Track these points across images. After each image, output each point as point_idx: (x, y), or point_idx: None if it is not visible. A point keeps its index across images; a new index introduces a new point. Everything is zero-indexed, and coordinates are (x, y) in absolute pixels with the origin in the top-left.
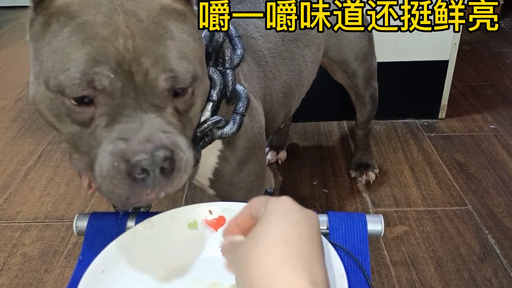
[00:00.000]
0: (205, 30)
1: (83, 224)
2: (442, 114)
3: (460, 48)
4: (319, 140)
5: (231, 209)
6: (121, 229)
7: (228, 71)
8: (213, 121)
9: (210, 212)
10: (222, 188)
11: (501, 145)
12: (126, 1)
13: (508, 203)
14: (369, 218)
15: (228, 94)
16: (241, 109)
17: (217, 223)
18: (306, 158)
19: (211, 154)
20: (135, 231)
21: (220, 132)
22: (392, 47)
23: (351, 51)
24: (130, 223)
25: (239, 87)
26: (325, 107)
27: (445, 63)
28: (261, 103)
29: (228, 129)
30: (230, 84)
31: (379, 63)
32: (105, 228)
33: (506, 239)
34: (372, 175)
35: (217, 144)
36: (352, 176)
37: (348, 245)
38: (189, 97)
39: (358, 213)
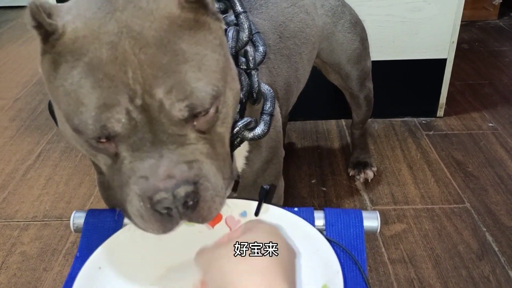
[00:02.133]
0: (231, 29)
1: (80, 221)
2: (440, 112)
3: (459, 46)
4: (318, 139)
5: (227, 206)
6: (118, 226)
7: (253, 71)
8: (244, 123)
9: None
10: (245, 190)
11: (499, 143)
12: (131, 19)
13: (506, 201)
14: (365, 214)
15: (254, 95)
16: (270, 109)
17: (214, 219)
18: (304, 157)
19: (239, 156)
20: (132, 227)
21: (252, 134)
22: (391, 46)
23: (343, 54)
24: (127, 220)
25: (264, 87)
26: (324, 106)
27: (443, 62)
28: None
29: (260, 130)
30: (256, 85)
31: (378, 62)
32: (102, 225)
33: (503, 237)
34: (370, 174)
35: (245, 146)
36: (350, 175)
37: (344, 241)
38: (212, 115)
39: (354, 209)
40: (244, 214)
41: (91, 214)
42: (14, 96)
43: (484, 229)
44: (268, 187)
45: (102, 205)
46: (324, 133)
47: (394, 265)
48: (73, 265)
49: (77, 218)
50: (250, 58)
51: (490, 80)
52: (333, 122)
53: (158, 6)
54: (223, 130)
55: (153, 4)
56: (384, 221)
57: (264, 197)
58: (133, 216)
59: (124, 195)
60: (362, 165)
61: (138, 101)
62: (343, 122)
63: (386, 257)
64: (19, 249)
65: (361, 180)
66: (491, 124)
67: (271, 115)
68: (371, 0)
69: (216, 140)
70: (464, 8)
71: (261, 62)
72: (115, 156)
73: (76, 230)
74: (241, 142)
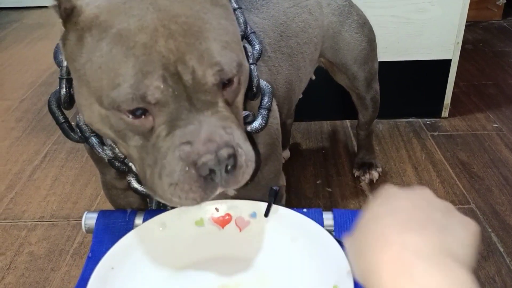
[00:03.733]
0: None
1: (91, 221)
2: (445, 113)
3: (463, 47)
4: (322, 140)
5: (237, 207)
6: (129, 226)
7: (252, 66)
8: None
9: (217, 209)
10: (243, 187)
11: (504, 143)
12: None
13: (511, 201)
14: None
15: (254, 89)
16: (267, 104)
17: (224, 220)
18: (309, 157)
19: None
20: (144, 228)
21: (249, 127)
22: (395, 47)
23: (350, 54)
24: (138, 220)
25: (262, 82)
26: (328, 106)
27: (448, 62)
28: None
29: (258, 124)
30: (256, 80)
31: (382, 62)
32: (113, 225)
33: (509, 238)
34: (375, 174)
35: None
36: (355, 175)
37: None
38: (236, 86)
39: (358, 209)
40: (254, 215)
41: (103, 215)
42: (20, 97)
43: (490, 230)
44: (277, 188)
45: (109, 205)
46: (329, 134)
47: None
48: (85, 265)
49: (89, 219)
50: (249, 53)
51: (495, 80)
52: (338, 123)
53: None
54: (239, 105)
55: None
56: None
57: (274, 198)
58: (170, 188)
59: (159, 169)
60: (367, 166)
61: (172, 69)
62: (348, 123)
63: None
64: (27, 249)
65: (366, 180)
66: (495, 125)
67: (269, 109)
68: (375, 1)
69: (236, 112)
70: (469, 9)
71: (258, 59)
72: (150, 132)
73: (87, 231)
74: None
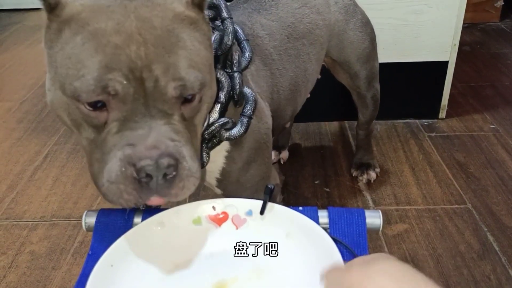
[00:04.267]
0: (216, 34)
1: (91, 220)
2: (442, 114)
3: (460, 49)
4: (321, 140)
5: (233, 205)
6: (128, 224)
7: (235, 74)
8: (221, 123)
9: (214, 208)
10: (229, 188)
11: (501, 144)
12: (140, 7)
13: (507, 201)
14: (367, 213)
15: (235, 97)
16: (248, 112)
17: (220, 219)
18: (308, 158)
19: (219, 154)
20: (143, 226)
21: (228, 133)
22: (393, 48)
23: (353, 52)
24: (137, 219)
25: (246, 90)
26: (327, 107)
27: (445, 64)
28: (269, 102)
29: (236, 131)
30: (237, 87)
31: (380, 64)
32: (112, 224)
33: (504, 237)
34: (373, 174)
35: (225, 145)
36: (353, 175)
37: (347, 239)
38: (196, 104)
39: (357, 208)
40: (249, 213)
41: (102, 213)
42: (21, 98)
43: (485, 229)
44: (273, 186)
45: (109, 205)
46: (327, 134)
47: None
48: (86, 262)
49: (89, 218)
50: (234, 61)
51: (492, 82)
52: (336, 123)
53: (166, 1)
54: (198, 123)
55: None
56: (387, 221)
57: (269, 196)
58: (107, 182)
59: (102, 164)
60: (365, 166)
61: (137, 73)
62: (346, 123)
63: None
64: (28, 248)
65: (364, 181)
66: (492, 126)
67: (250, 117)
68: (373, 3)
69: (192, 130)
70: (466, 11)
71: (246, 67)
72: (102, 127)
73: (88, 229)
74: (220, 141)
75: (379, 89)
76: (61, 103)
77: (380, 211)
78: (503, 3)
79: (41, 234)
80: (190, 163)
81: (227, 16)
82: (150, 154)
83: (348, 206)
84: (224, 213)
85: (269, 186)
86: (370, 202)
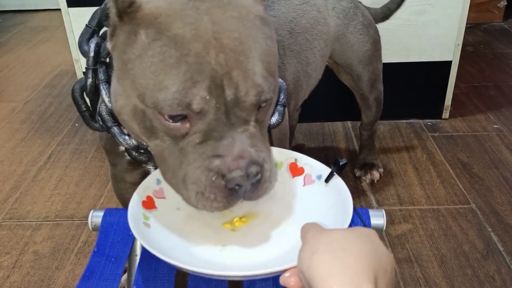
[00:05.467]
0: None
1: (97, 219)
2: (445, 114)
3: (464, 49)
4: (324, 140)
5: (312, 165)
6: None
7: None
8: None
9: (296, 160)
10: None
11: (504, 144)
12: (213, 8)
13: (511, 201)
14: (371, 212)
15: None
16: (283, 100)
17: (297, 170)
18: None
19: None
20: None
21: None
22: (396, 48)
23: (354, 55)
24: None
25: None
26: (330, 108)
27: (448, 64)
28: None
29: (275, 119)
30: None
31: (383, 64)
32: (118, 223)
33: (509, 237)
34: (376, 174)
35: None
36: (356, 176)
37: None
38: (267, 107)
39: (360, 208)
40: (319, 177)
41: (109, 213)
42: (24, 99)
43: (489, 229)
44: (345, 161)
45: (112, 205)
46: (331, 134)
47: (400, 265)
48: (91, 259)
49: (95, 217)
50: None
51: (495, 82)
52: (339, 124)
53: None
54: (267, 122)
55: None
56: (390, 221)
57: (340, 169)
58: (194, 194)
59: (184, 173)
60: (369, 166)
61: (218, 81)
62: (349, 124)
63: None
64: (31, 248)
65: (368, 181)
66: (496, 126)
67: (284, 106)
68: (376, 3)
69: (263, 132)
70: (469, 11)
71: None
72: (181, 137)
73: (94, 229)
74: None
75: (382, 90)
76: (135, 111)
77: (383, 210)
78: (506, 3)
79: (44, 234)
80: (269, 165)
81: None
82: (239, 165)
83: None
84: (301, 168)
85: (340, 160)
86: (374, 202)
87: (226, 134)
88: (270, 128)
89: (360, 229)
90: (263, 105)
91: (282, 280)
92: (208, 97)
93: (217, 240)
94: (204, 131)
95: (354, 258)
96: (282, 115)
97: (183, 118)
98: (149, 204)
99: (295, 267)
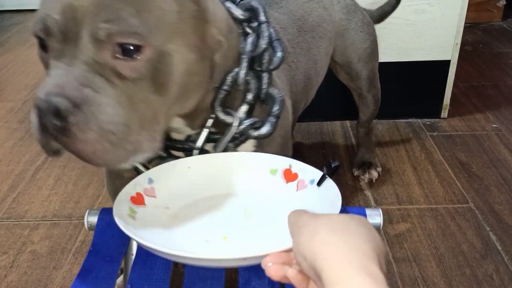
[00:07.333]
0: (253, 36)
1: (93, 219)
2: (444, 113)
3: (463, 48)
4: (322, 140)
5: (305, 171)
6: None
7: (264, 74)
8: (250, 122)
9: (290, 166)
10: None
11: (503, 144)
12: None
13: (509, 201)
14: (368, 211)
15: (262, 96)
16: (276, 112)
17: (291, 177)
18: (309, 157)
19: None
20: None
21: (257, 133)
22: (394, 48)
23: (355, 52)
24: None
25: (273, 90)
26: (328, 107)
27: (447, 63)
28: (289, 96)
29: (265, 130)
30: (264, 88)
31: (381, 63)
32: (114, 222)
33: (507, 236)
34: (374, 174)
35: (253, 142)
36: (355, 175)
37: None
38: (138, 64)
39: (357, 207)
40: (312, 181)
41: (105, 212)
42: (23, 99)
43: (488, 229)
44: (337, 163)
45: (110, 205)
46: (329, 134)
47: (399, 264)
48: (87, 257)
49: (91, 216)
50: (264, 61)
51: (494, 81)
52: (337, 123)
53: None
54: (156, 97)
55: None
56: (389, 220)
57: (332, 172)
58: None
59: None
60: (367, 165)
61: (72, 12)
62: (347, 123)
63: (390, 256)
64: (29, 248)
65: (366, 180)
66: (494, 125)
67: (277, 117)
68: (374, 2)
69: (143, 97)
70: (468, 10)
71: (278, 66)
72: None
73: (90, 228)
74: (246, 139)
75: (380, 88)
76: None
77: (380, 209)
78: (505, 3)
79: (42, 234)
80: (109, 115)
81: (264, 20)
82: (47, 92)
83: (350, 205)
84: (296, 174)
85: (332, 162)
86: (372, 201)
87: (65, 66)
88: (259, 138)
89: (353, 215)
90: (129, 49)
91: (263, 264)
92: (58, 18)
93: (203, 235)
94: (53, 60)
95: (358, 240)
96: (273, 127)
97: (45, 48)
98: (138, 200)
99: (285, 251)
